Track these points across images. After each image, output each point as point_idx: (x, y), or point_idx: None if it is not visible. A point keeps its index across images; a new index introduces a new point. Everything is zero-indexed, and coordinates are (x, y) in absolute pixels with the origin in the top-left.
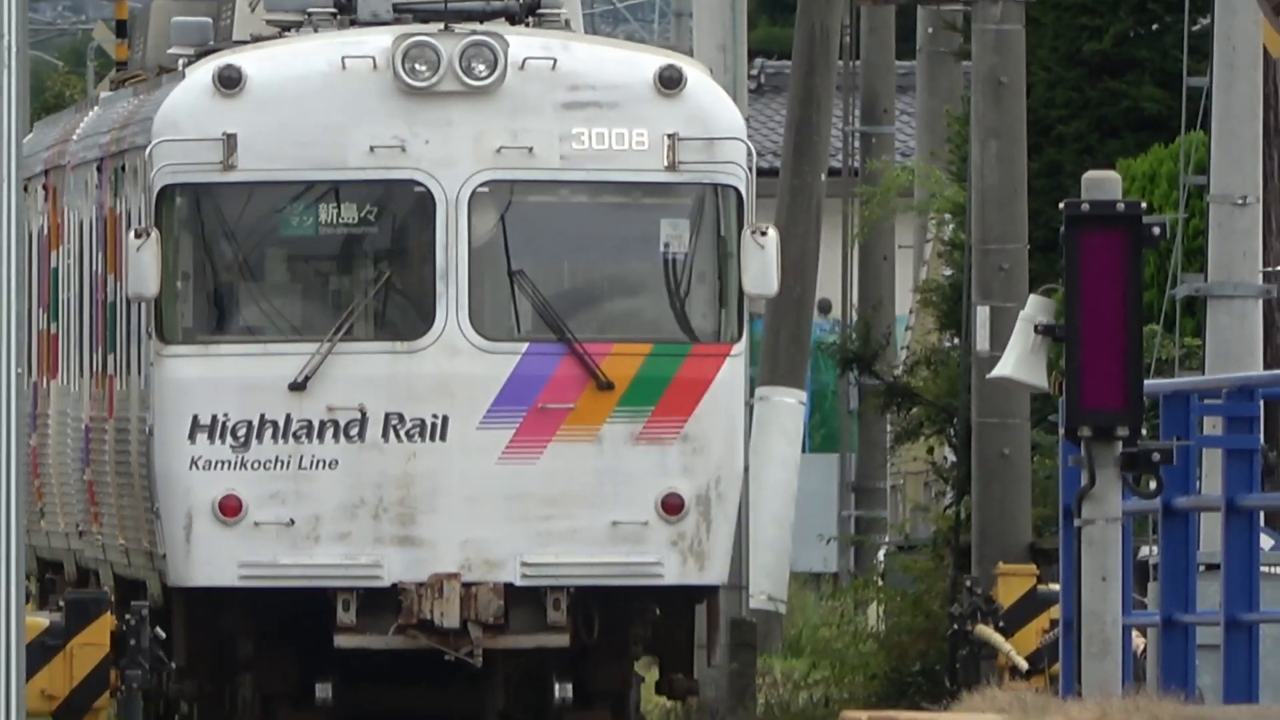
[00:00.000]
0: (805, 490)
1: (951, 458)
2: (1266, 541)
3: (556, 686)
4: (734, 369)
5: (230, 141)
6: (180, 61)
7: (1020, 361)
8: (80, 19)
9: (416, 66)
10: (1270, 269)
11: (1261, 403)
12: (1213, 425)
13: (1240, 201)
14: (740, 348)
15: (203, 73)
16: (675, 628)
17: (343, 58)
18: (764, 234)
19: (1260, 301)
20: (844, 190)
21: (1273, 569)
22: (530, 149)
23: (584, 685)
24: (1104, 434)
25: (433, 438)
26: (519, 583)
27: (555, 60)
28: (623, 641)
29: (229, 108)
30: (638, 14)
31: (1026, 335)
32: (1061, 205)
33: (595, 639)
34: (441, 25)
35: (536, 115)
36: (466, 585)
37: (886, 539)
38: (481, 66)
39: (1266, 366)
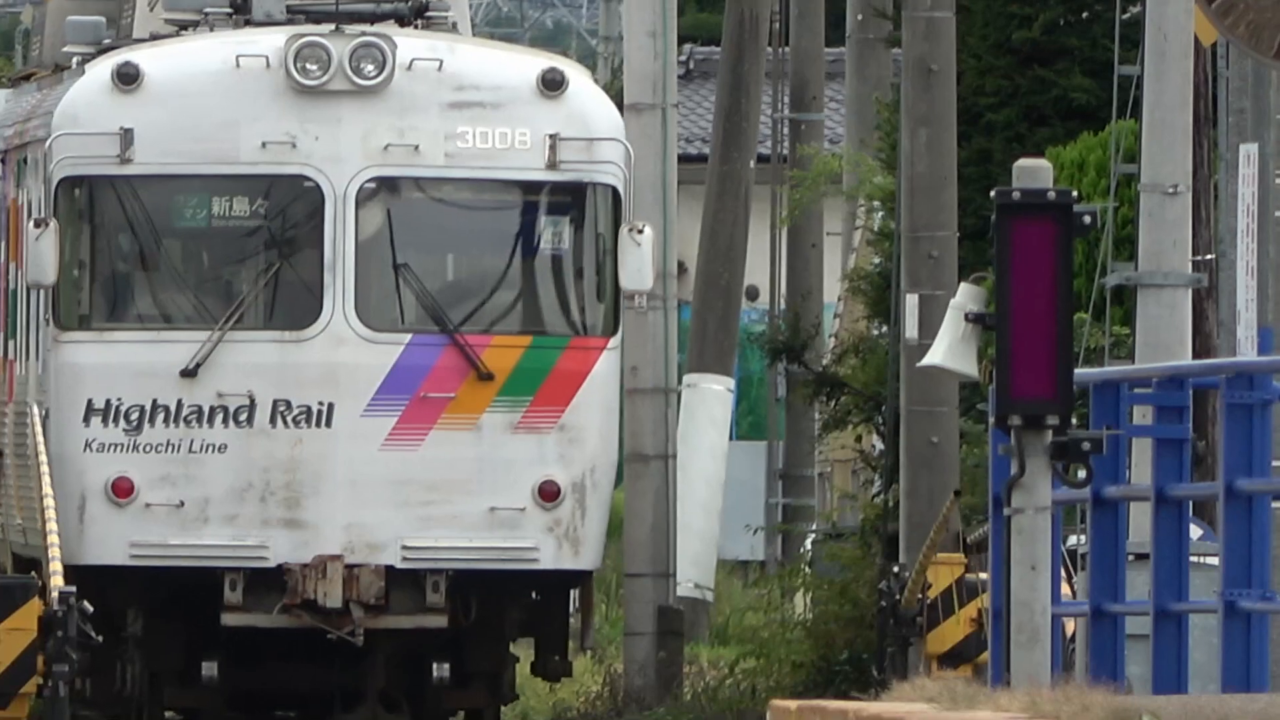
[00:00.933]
0: (733, 478)
1: (879, 446)
2: (1195, 531)
3: (435, 666)
4: (610, 362)
5: (127, 136)
6: (74, 59)
7: (950, 350)
8: (7, 3)
9: (308, 66)
10: (1200, 258)
11: (1191, 392)
12: (1142, 415)
13: (1170, 190)
14: (616, 341)
15: (102, 69)
16: (551, 611)
17: (237, 56)
18: (640, 232)
19: (1190, 291)
20: (773, 177)
21: (1201, 559)
22: (416, 147)
23: (461, 665)
24: (1034, 423)
25: (318, 424)
26: (400, 565)
27: (441, 61)
28: (499, 624)
29: (126, 103)
30: None
31: (957, 323)
32: (992, 193)
33: (473, 621)
34: (332, 26)
35: (423, 114)
36: (349, 567)
37: (814, 527)
38: (370, 66)
39: (1196, 356)
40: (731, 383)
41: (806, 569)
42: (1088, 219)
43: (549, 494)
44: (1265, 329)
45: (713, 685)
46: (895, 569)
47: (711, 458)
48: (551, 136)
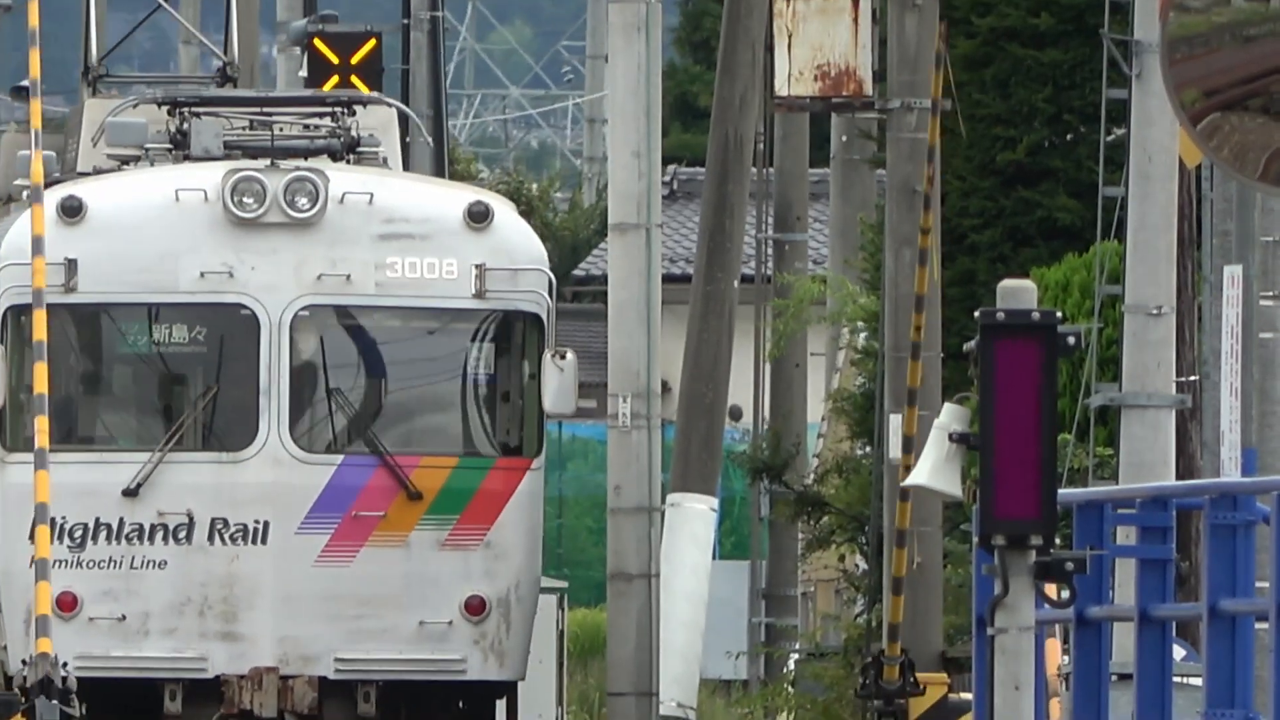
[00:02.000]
0: (716, 597)
1: (863, 566)
2: (1179, 652)
3: None
4: (534, 481)
5: (71, 266)
6: (24, 192)
7: (934, 470)
8: None
9: (244, 199)
10: (1184, 379)
11: (1174, 513)
12: (1126, 535)
13: (1155, 312)
14: (540, 462)
15: (47, 202)
16: (479, 719)
17: (176, 190)
18: (563, 357)
19: (1174, 412)
20: (757, 297)
21: (1185, 679)
22: (348, 276)
23: None
24: (1017, 543)
25: (254, 541)
26: (332, 676)
27: (372, 195)
28: None
29: (70, 235)
30: (550, 120)
31: (941, 444)
32: (976, 314)
33: None
34: (268, 161)
35: (354, 245)
36: (284, 678)
37: (797, 647)
38: (304, 200)
39: (1179, 477)
40: (715, 502)
41: (790, 688)
42: (1072, 340)
43: (475, 608)
44: (1249, 450)
45: None
46: (877, 653)
47: (694, 577)
48: (478, 266)
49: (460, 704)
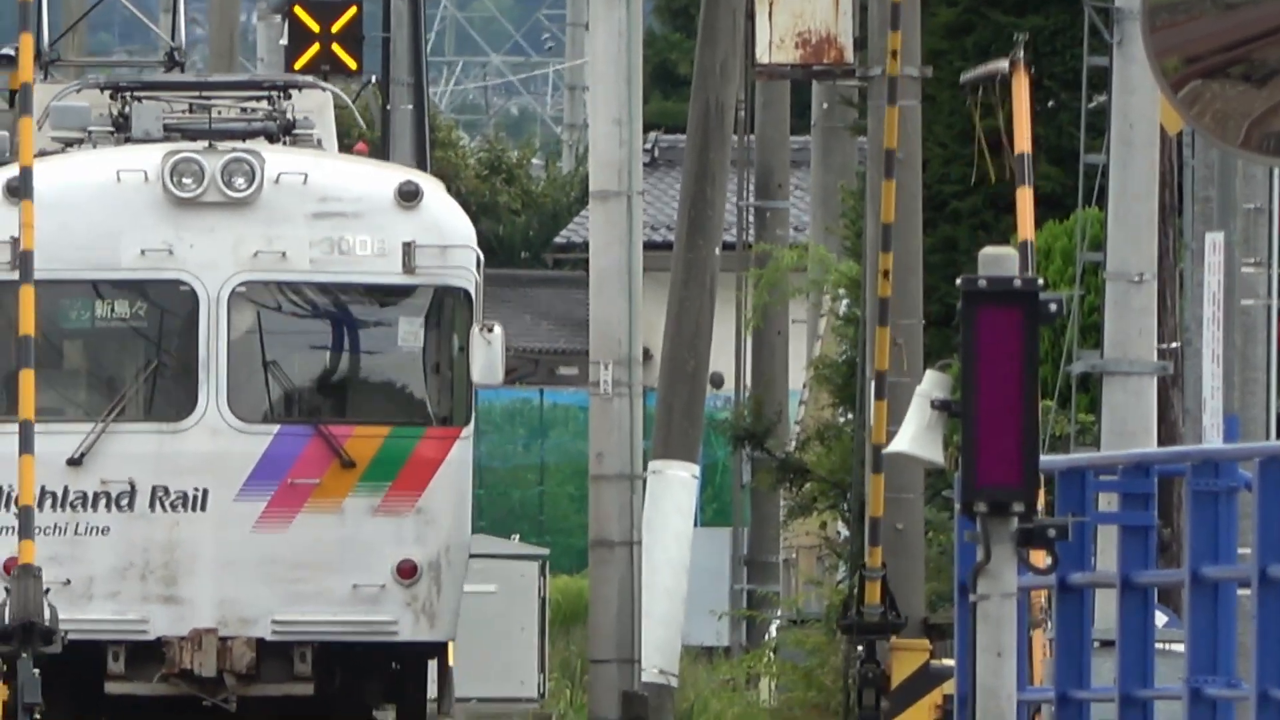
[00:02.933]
0: (698, 564)
1: (844, 533)
2: (1161, 618)
3: None
4: (463, 450)
5: (16, 244)
6: None
7: (916, 437)
8: None
9: (183, 179)
10: (1165, 346)
11: (1156, 480)
12: (1108, 501)
13: (1136, 279)
14: (469, 431)
15: None
16: (410, 679)
17: (118, 171)
18: (491, 330)
19: (1155, 378)
20: (738, 265)
21: (1167, 646)
22: (283, 253)
23: None
24: (1000, 509)
25: (194, 508)
26: (270, 638)
27: (306, 175)
28: (362, 691)
29: (16, 214)
30: (531, 87)
31: (922, 411)
32: (958, 281)
33: (337, 688)
34: (206, 143)
35: (289, 224)
36: (223, 639)
37: (779, 613)
38: (240, 180)
39: (1161, 443)
40: (697, 469)
41: (771, 655)
42: (1054, 307)
43: (407, 572)
44: (1231, 417)
45: None
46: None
47: (676, 544)
48: (407, 244)
49: (393, 664)
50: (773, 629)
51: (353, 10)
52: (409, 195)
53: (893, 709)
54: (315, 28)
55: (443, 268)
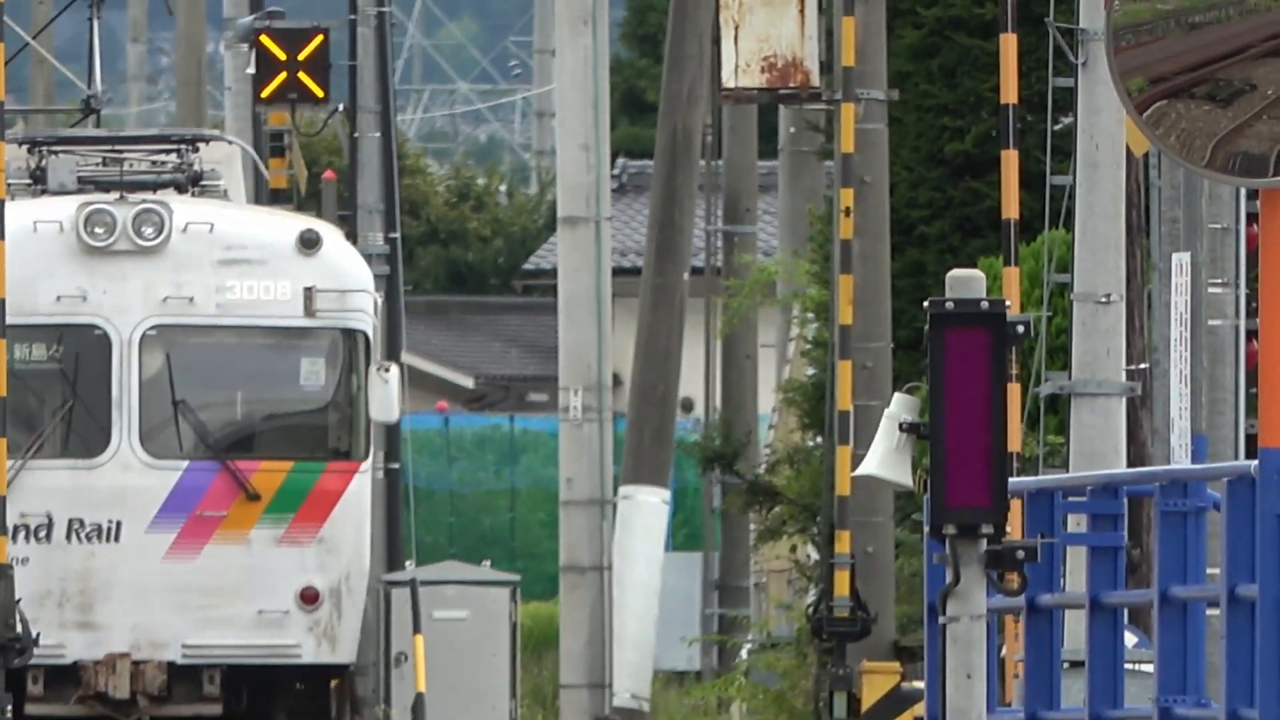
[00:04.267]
0: (668, 589)
1: (814, 556)
2: (1130, 639)
3: None
4: (362, 483)
5: None
6: None
7: (885, 460)
8: None
9: (95, 229)
10: (1133, 367)
11: (1125, 500)
12: (1077, 523)
13: (1104, 300)
14: (367, 465)
15: None
16: (314, 699)
17: (34, 222)
18: (387, 370)
19: (1124, 399)
20: (707, 289)
21: (1136, 666)
22: (191, 299)
23: None
24: (969, 531)
25: (108, 539)
26: (180, 661)
27: (212, 225)
28: (268, 711)
29: None
30: (499, 114)
31: (891, 433)
32: (925, 304)
33: (244, 708)
34: (118, 194)
35: (197, 270)
36: (136, 663)
37: (750, 637)
38: (150, 229)
39: (1130, 464)
40: (667, 494)
41: (742, 679)
42: (1021, 328)
43: (309, 598)
44: (1199, 437)
45: None
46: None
47: (647, 569)
48: (308, 288)
49: (297, 685)
50: (744, 653)
51: (319, 38)
52: (309, 243)
53: None
54: (282, 56)
55: (342, 311)
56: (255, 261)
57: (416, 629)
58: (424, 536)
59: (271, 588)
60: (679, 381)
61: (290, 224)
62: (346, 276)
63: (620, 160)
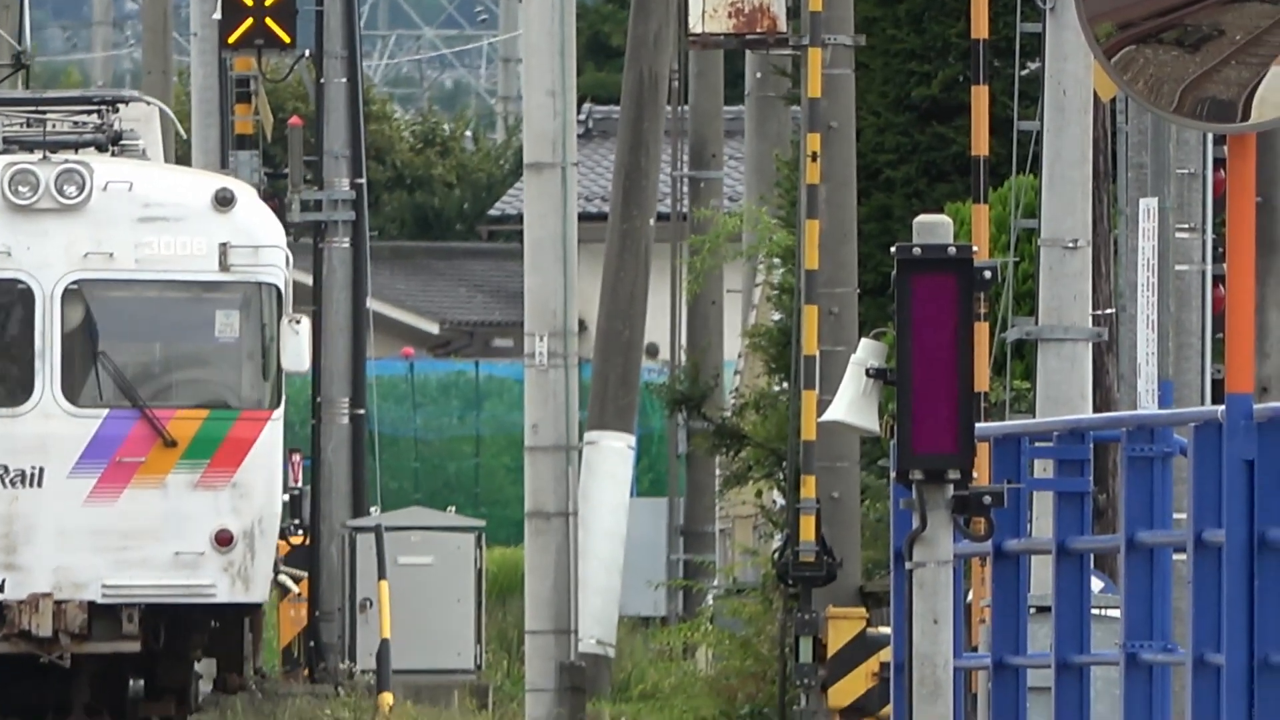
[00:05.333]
0: (634, 534)
1: (780, 501)
2: (1097, 584)
3: (131, 682)
4: (274, 430)
5: None
6: None
7: (852, 405)
8: None
9: (19, 188)
10: (1100, 312)
11: (1092, 446)
12: (1043, 468)
13: (1070, 245)
14: (279, 413)
15: None
16: (228, 636)
17: None
18: (298, 322)
19: (1090, 345)
20: (673, 235)
21: (1103, 611)
22: (111, 254)
23: (153, 681)
24: (935, 477)
25: (31, 484)
26: (100, 600)
27: (132, 184)
28: (185, 647)
29: None
30: (464, 60)
31: (858, 379)
32: (892, 249)
33: (162, 645)
34: (41, 154)
35: (116, 227)
36: (58, 602)
37: (715, 583)
38: (72, 188)
39: (1096, 410)
40: (632, 440)
41: (708, 624)
42: (988, 274)
43: (224, 540)
44: (1165, 382)
45: None
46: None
47: (613, 514)
48: (223, 244)
49: (213, 623)
50: (709, 598)
51: None
52: (224, 201)
53: (830, 677)
54: (249, 2)
55: (255, 266)
56: (173, 219)
57: (382, 575)
58: (389, 482)
59: (187, 530)
60: (645, 327)
61: (206, 183)
62: (260, 233)
63: (586, 106)
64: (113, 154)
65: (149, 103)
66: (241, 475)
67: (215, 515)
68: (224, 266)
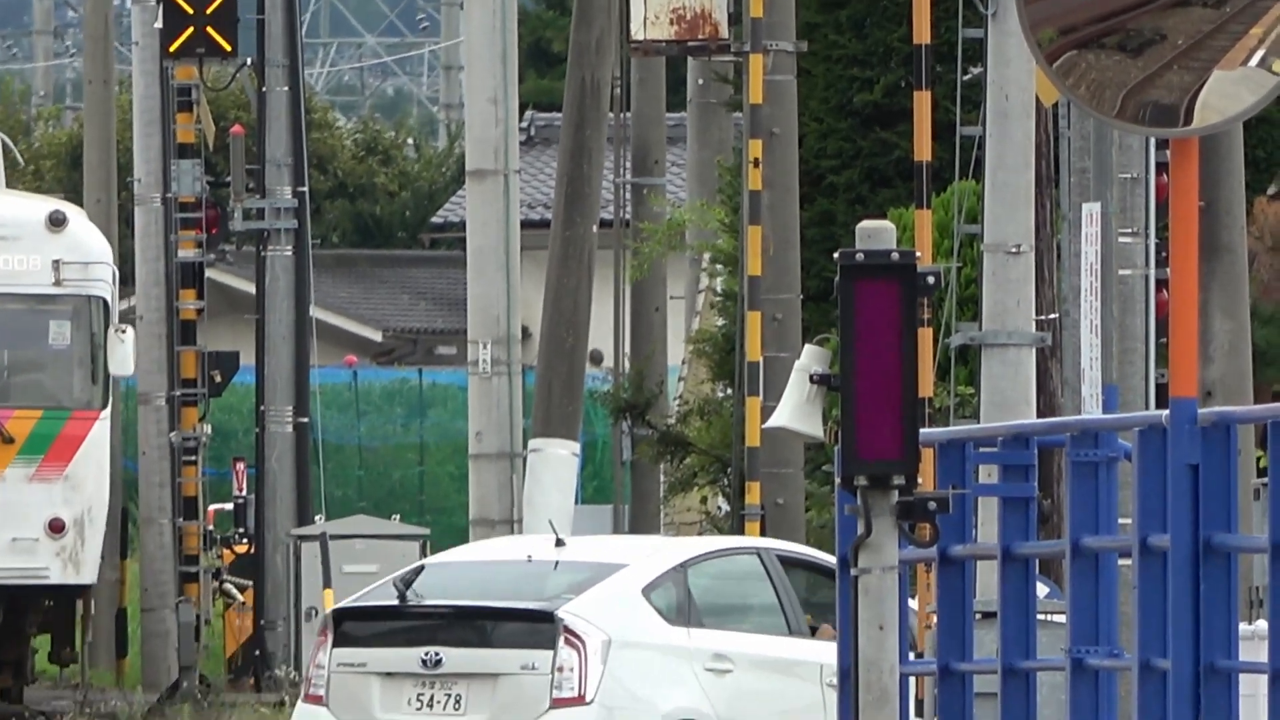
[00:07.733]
0: None
1: (725, 508)
2: (1042, 589)
3: None
4: (103, 428)
5: None
6: None
7: (796, 411)
8: None
9: None
10: (1043, 317)
11: (1036, 451)
12: (988, 474)
13: (1014, 250)
14: (107, 413)
15: None
16: (61, 614)
17: None
18: (124, 332)
19: (1034, 350)
20: (616, 241)
21: (1049, 617)
22: None
23: None
24: (880, 483)
25: None
26: None
27: None
28: (21, 624)
29: None
30: (406, 67)
31: (801, 385)
32: (835, 255)
33: (1, 623)
34: None
35: None
36: None
37: None
38: None
39: (1040, 415)
40: (577, 447)
41: None
42: (931, 279)
43: (57, 528)
44: (1110, 387)
45: None
46: None
47: (557, 521)
48: (56, 261)
49: (47, 602)
50: None
51: None
52: (58, 221)
53: None
54: (190, 10)
55: (85, 280)
56: (10, 237)
57: (326, 583)
58: (333, 491)
59: (24, 518)
60: (588, 334)
61: (40, 205)
62: (90, 251)
63: (529, 113)
64: None
65: None
66: (73, 469)
67: (49, 505)
68: (57, 281)
